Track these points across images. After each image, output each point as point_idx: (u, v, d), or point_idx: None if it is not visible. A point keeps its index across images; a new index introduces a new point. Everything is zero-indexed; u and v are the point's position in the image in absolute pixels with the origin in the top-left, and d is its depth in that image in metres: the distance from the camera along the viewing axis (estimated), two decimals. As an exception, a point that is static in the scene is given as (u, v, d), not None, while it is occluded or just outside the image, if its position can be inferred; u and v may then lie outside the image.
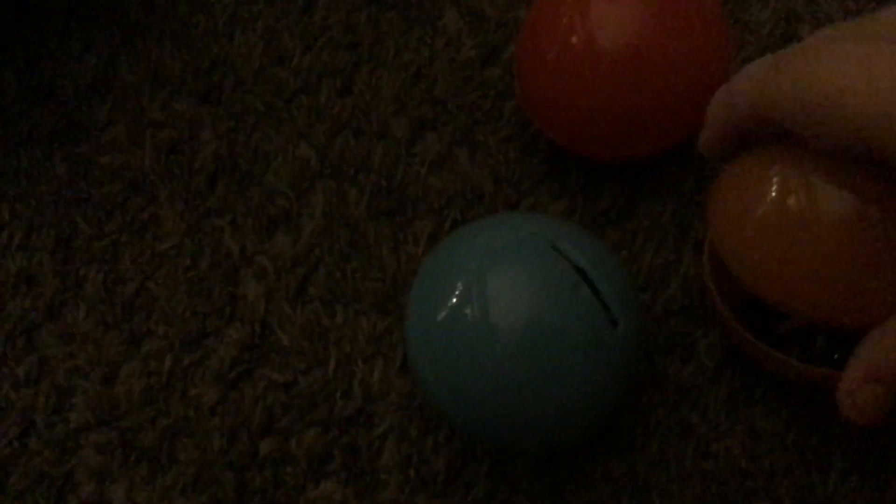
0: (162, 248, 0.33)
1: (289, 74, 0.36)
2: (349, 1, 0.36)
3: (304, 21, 0.36)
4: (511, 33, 0.35)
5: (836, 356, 0.28)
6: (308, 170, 0.34)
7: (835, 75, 0.20)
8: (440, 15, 0.36)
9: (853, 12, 0.34)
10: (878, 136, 0.20)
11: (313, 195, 0.34)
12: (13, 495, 0.30)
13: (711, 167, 0.28)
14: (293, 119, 0.35)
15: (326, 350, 0.31)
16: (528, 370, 0.25)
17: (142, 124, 0.35)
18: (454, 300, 0.25)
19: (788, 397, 0.29)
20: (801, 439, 0.29)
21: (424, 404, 0.30)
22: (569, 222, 0.28)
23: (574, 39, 0.29)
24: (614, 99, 0.29)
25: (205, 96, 0.35)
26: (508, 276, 0.25)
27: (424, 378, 0.26)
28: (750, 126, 0.23)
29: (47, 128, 0.35)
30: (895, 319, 0.22)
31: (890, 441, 0.29)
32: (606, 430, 0.29)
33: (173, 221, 0.34)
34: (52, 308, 0.33)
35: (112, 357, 0.32)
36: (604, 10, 0.28)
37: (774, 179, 0.23)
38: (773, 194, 0.23)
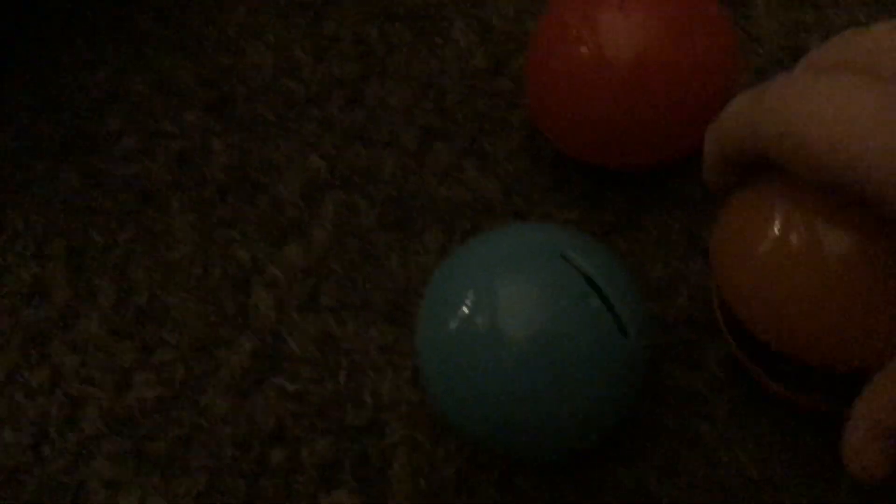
0: (174, 258, 0.34)
1: (299, 86, 0.36)
2: (359, 13, 0.37)
3: (314, 33, 0.37)
4: (520, 44, 0.36)
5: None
6: (318, 180, 0.34)
7: (801, 109, 0.20)
8: (449, 26, 0.36)
9: (862, 24, 0.34)
10: (844, 174, 0.20)
11: (323, 205, 0.34)
12: (26, 504, 0.31)
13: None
14: (303, 130, 0.35)
15: (337, 360, 0.32)
16: (538, 379, 0.25)
17: (153, 135, 0.36)
18: (464, 310, 0.26)
19: (797, 407, 0.30)
20: (811, 449, 0.29)
21: (435, 414, 0.30)
22: (577, 232, 0.28)
23: (582, 50, 0.29)
24: (622, 109, 0.29)
25: (216, 107, 0.36)
26: (518, 286, 0.26)
27: (435, 388, 0.26)
28: (740, 159, 0.23)
29: (59, 139, 0.36)
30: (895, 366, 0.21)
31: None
32: (615, 440, 0.30)
33: (185, 231, 0.34)
34: (64, 317, 0.33)
35: (124, 366, 0.32)
36: (612, 22, 0.29)
37: (775, 216, 0.23)
38: (775, 231, 0.23)
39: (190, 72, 0.37)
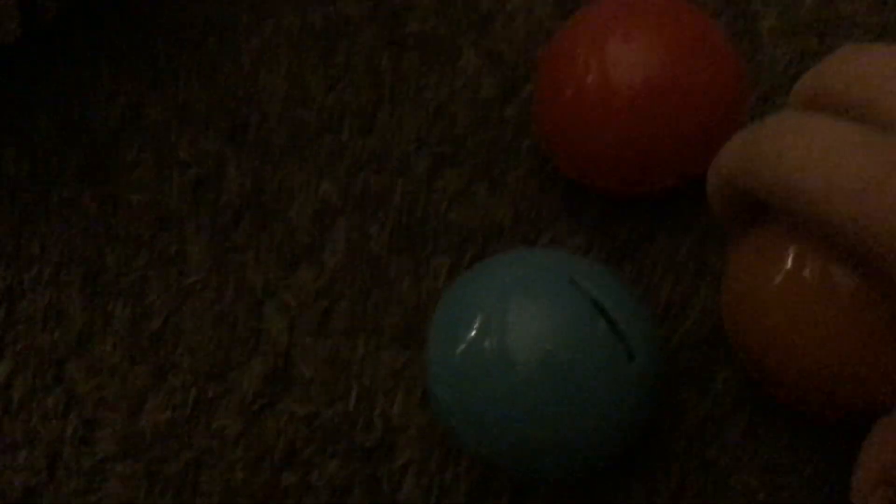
0: (188, 283, 0.34)
1: (312, 113, 0.36)
2: (370, 42, 0.37)
3: (326, 62, 0.37)
4: (528, 72, 0.36)
5: None
6: (330, 206, 0.35)
7: (795, 159, 0.20)
8: (459, 55, 0.37)
9: (865, 50, 0.35)
10: (838, 228, 0.19)
11: (335, 230, 0.34)
12: (40, 526, 0.31)
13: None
14: (316, 156, 0.36)
15: (348, 382, 0.32)
16: (547, 402, 0.25)
17: (169, 162, 0.36)
18: (473, 333, 0.26)
19: (807, 431, 0.30)
20: (820, 473, 0.29)
21: (444, 436, 0.31)
22: (586, 257, 0.28)
23: (589, 78, 0.29)
24: (630, 136, 0.29)
25: (231, 135, 0.36)
26: (526, 310, 0.26)
27: (444, 410, 0.26)
28: (742, 199, 0.23)
29: (77, 166, 0.36)
30: None
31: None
32: (625, 463, 0.30)
33: (199, 256, 0.34)
34: (80, 342, 0.34)
35: (138, 389, 0.32)
36: (618, 50, 0.29)
37: (786, 255, 0.23)
38: (787, 268, 0.23)
39: (205, 100, 0.37)
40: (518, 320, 0.26)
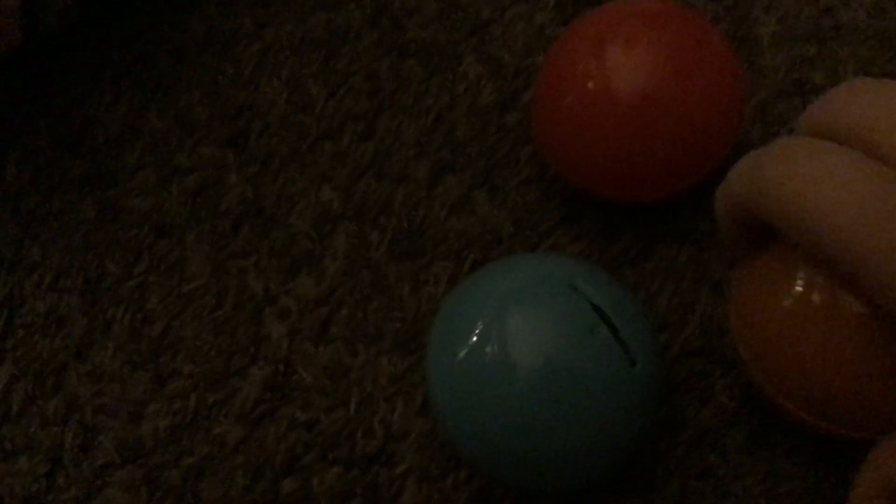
0: (188, 290, 0.34)
1: (312, 120, 0.36)
2: (371, 49, 0.37)
3: (327, 69, 0.37)
4: (529, 80, 0.36)
5: None
6: (330, 212, 0.35)
7: (800, 188, 0.20)
8: (460, 62, 0.37)
9: (865, 59, 0.35)
10: (839, 259, 0.19)
11: (336, 237, 0.34)
12: (40, 533, 0.31)
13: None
14: (316, 163, 0.36)
15: (348, 389, 0.32)
16: (547, 409, 0.25)
17: (170, 169, 0.36)
18: (474, 339, 0.26)
19: (808, 438, 0.29)
20: (821, 481, 0.29)
21: (445, 443, 0.31)
22: (587, 262, 0.28)
23: (590, 85, 0.29)
24: (630, 143, 0.29)
25: (231, 142, 0.36)
26: (527, 316, 0.26)
27: (444, 417, 0.26)
28: (750, 223, 0.23)
29: (78, 173, 0.37)
30: None
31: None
32: (626, 471, 0.29)
33: (199, 263, 0.34)
34: (80, 348, 0.34)
35: (138, 396, 0.32)
36: (618, 57, 0.29)
37: (794, 278, 0.23)
38: (795, 291, 0.23)
39: (206, 108, 0.37)
40: (519, 326, 0.26)
